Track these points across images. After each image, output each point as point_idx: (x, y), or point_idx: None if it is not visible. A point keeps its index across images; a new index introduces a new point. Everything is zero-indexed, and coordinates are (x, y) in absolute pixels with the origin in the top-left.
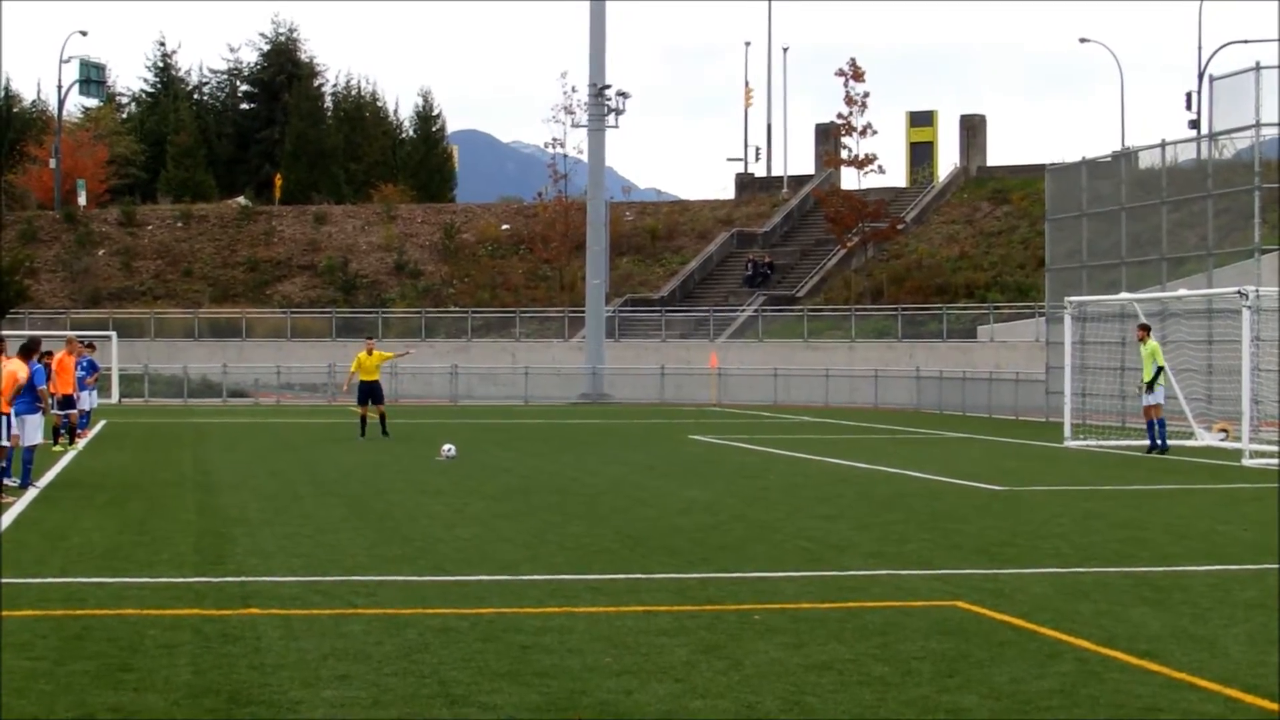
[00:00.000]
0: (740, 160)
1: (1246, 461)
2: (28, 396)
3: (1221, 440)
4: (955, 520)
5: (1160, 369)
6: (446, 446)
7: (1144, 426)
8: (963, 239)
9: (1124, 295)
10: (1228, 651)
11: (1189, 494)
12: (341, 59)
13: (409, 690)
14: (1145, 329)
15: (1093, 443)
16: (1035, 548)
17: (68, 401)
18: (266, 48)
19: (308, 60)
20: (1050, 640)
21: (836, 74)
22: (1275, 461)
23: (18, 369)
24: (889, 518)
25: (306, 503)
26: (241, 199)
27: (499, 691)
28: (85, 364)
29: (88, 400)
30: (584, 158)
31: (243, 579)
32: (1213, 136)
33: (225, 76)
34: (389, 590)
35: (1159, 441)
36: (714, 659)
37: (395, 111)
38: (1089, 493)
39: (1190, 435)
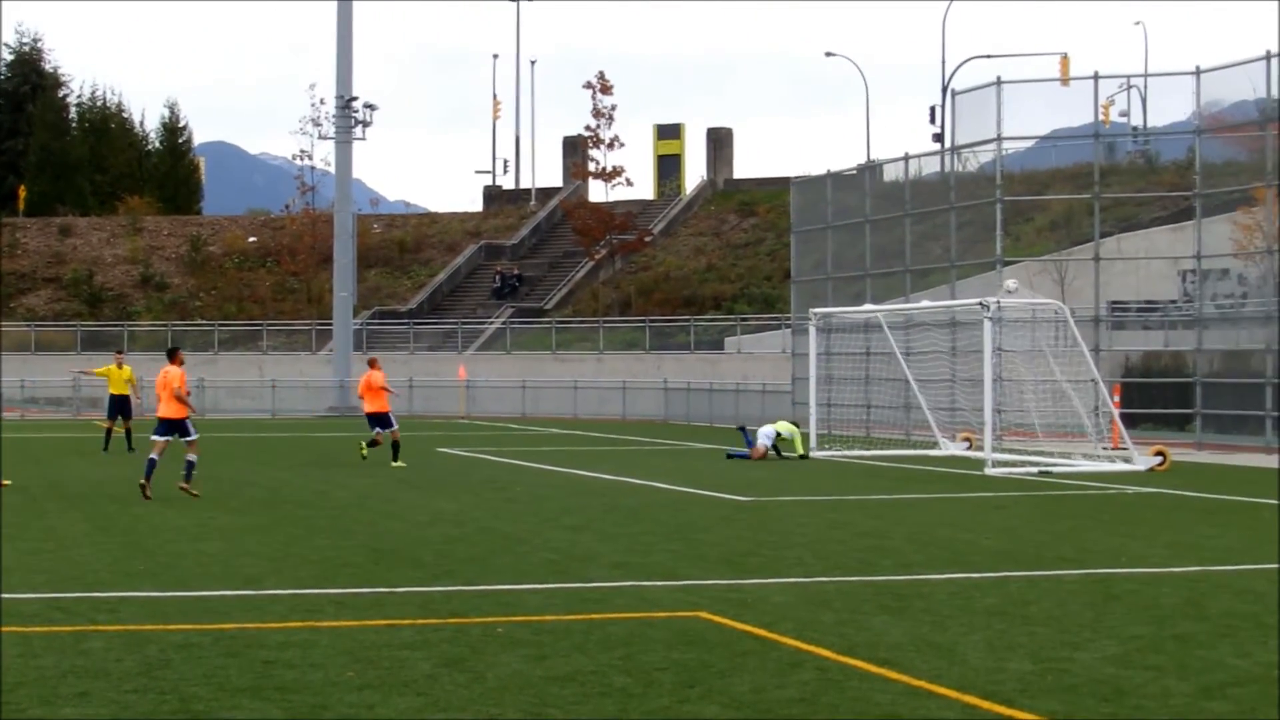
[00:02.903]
0: (489, 172)
1: (990, 470)
2: None
3: (965, 449)
4: (700, 530)
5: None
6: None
7: (884, 437)
8: (710, 251)
9: (868, 307)
10: (966, 659)
11: (932, 503)
12: (87, 69)
13: (149, 707)
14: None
15: (838, 453)
16: (779, 557)
17: (384, 419)
18: (10, 58)
19: (52, 70)
20: (791, 649)
21: (584, 86)
22: (1017, 470)
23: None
24: (634, 529)
25: (50, 518)
26: None
27: (240, 707)
28: None
29: None
30: (332, 170)
31: None
32: (955, 150)
33: None
34: (131, 606)
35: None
36: (456, 672)
37: (141, 123)
38: (833, 503)
39: (935, 445)
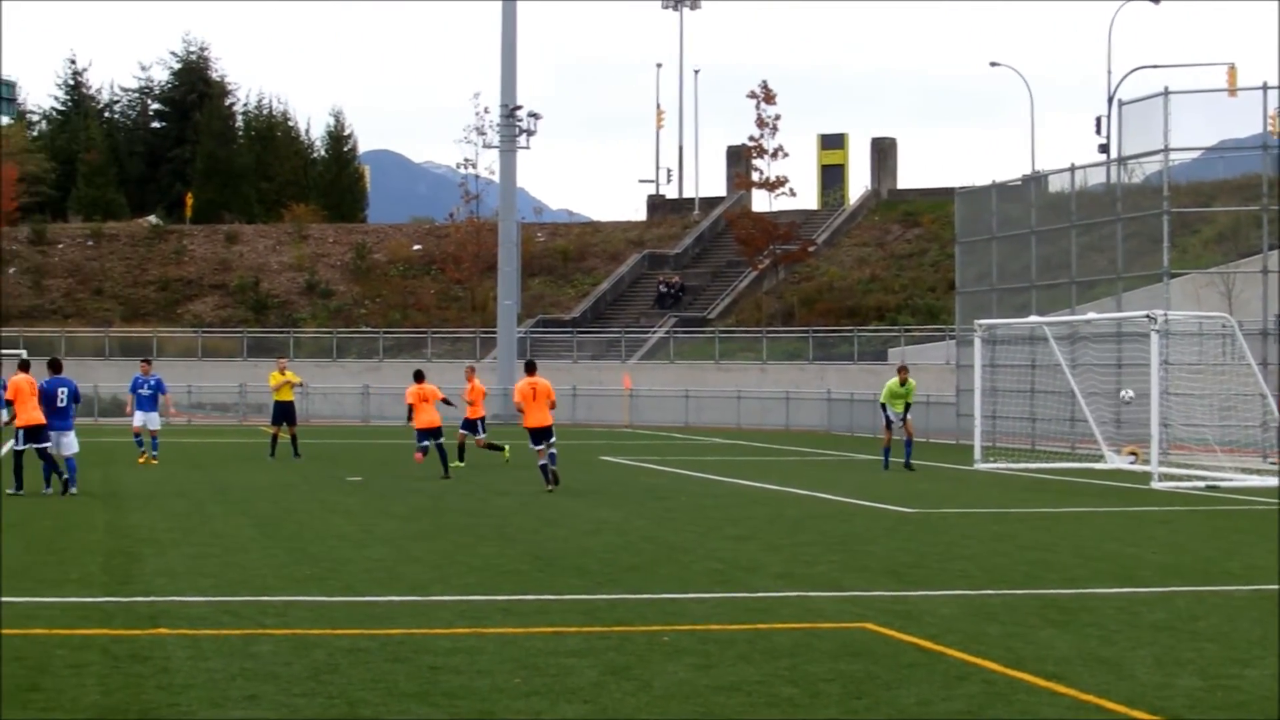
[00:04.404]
0: (652, 182)
1: (1155, 484)
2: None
3: (1131, 463)
4: (864, 542)
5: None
6: (354, 478)
7: (1049, 450)
8: (873, 261)
9: (1034, 318)
10: (1134, 674)
11: (1097, 516)
12: (253, 78)
13: (317, 711)
14: (905, 369)
15: (1002, 465)
16: (944, 570)
17: (472, 424)
18: (177, 66)
19: (219, 79)
20: (958, 662)
21: (748, 96)
22: (1183, 485)
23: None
24: (799, 539)
25: (216, 522)
26: (152, 218)
27: (407, 712)
28: (154, 382)
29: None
30: (495, 178)
31: (151, 599)
32: (1122, 161)
33: (136, 95)
34: (298, 610)
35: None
36: (623, 680)
37: (307, 131)
38: (998, 515)
39: (1100, 458)
